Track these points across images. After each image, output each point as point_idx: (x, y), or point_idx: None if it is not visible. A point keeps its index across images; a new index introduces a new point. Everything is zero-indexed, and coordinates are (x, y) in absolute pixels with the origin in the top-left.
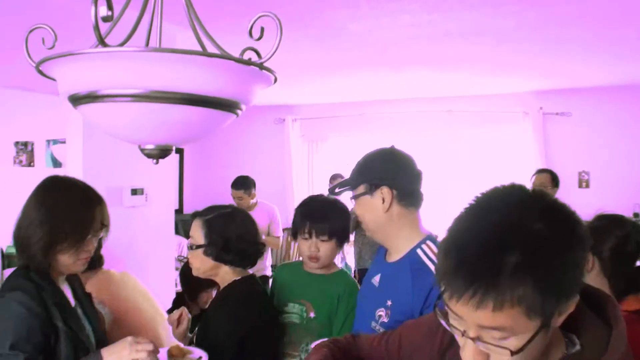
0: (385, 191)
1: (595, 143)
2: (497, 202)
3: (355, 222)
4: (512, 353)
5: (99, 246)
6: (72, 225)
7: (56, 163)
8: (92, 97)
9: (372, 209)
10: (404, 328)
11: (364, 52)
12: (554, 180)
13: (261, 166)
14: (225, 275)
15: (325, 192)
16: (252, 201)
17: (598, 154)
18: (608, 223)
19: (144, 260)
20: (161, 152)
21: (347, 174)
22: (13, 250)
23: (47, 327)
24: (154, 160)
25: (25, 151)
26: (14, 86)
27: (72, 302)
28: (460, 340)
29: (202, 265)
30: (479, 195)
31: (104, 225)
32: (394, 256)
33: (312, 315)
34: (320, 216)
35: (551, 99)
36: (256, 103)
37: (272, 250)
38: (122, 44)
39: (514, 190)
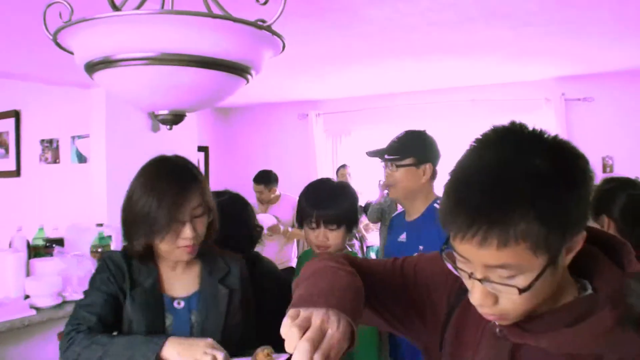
0: (428, 166)
1: (619, 128)
2: (497, 140)
3: (379, 213)
4: (520, 291)
5: (209, 233)
6: (163, 209)
7: (81, 159)
8: (106, 63)
9: (413, 178)
10: (420, 259)
11: (385, 40)
12: None
13: (286, 161)
14: None
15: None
16: (274, 195)
17: (622, 138)
18: (616, 185)
19: None
20: (175, 118)
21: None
22: (39, 242)
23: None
24: (168, 127)
25: (50, 148)
26: (39, 79)
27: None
28: (468, 283)
29: None
30: (479, 136)
31: (205, 209)
32: (414, 215)
33: None
34: (328, 204)
35: (573, 84)
36: (279, 99)
37: (297, 241)
38: (137, 9)
39: (514, 128)
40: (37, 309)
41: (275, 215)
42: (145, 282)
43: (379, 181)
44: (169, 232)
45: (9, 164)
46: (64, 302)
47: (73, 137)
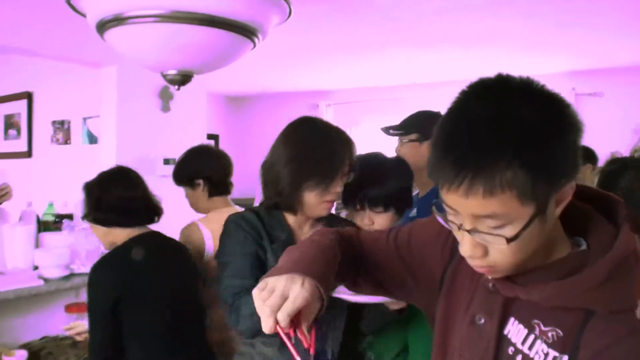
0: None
1: (629, 123)
2: (484, 91)
3: None
4: (508, 240)
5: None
6: (320, 162)
7: (92, 140)
8: (117, 20)
9: (417, 153)
10: (414, 225)
11: (394, 29)
12: (588, 157)
13: None
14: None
15: None
16: None
17: (631, 133)
18: (621, 165)
19: (175, 225)
20: (182, 78)
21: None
22: (49, 217)
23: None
24: (176, 87)
25: (62, 129)
26: (50, 56)
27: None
28: (457, 235)
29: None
30: (466, 87)
31: (353, 168)
32: (423, 191)
33: None
34: (374, 182)
35: (583, 79)
36: (290, 89)
37: None
38: None
39: (501, 78)
40: (45, 279)
41: None
42: (281, 235)
43: None
44: (330, 182)
45: (21, 145)
46: (72, 275)
47: (84, 119)
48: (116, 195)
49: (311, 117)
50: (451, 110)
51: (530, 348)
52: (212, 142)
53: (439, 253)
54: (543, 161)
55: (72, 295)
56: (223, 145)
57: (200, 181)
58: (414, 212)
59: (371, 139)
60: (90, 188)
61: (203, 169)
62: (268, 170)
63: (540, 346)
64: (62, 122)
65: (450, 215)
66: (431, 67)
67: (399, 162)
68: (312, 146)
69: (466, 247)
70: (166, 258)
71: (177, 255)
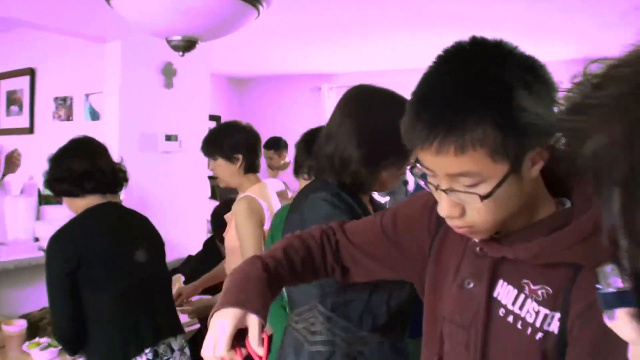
0: None
1: None
2: (456, 54)
3: None
4: (482, 198)
5: None
6: (396, 138)
7: (94, 116)
8: None
9: None
10: (397, 206)
11: (398, 10)
12: None
13: (297, 134)
14: None
15: None
16: (283, 161)
17: None
18: None
19: (178, 202)
20: (186, 44)
21: None
22: (50, 193)
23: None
24: (180, 53)
25: (64, 106)
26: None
27: None
28: (436, 195)
29: None
30: (441, 52)
31: None
32: None
33: None
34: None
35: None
36: (293, 71)
37: None
38: None
39: (474, 41)
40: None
41: (284, 182)
42: (364, 213)
43: None
44: (408, 156)
45: (23, 121)
46: None
47: (87, 95)
48: (69, 167)
49: (370, 85)
50: (426, 75)
51: (520, 308)
52: (213, 124)
53: (425, 226)
54: (513, 119)
55: None
56: None
57: (240, 156)
58: (410, 186)
59: None
60: (51, 159)
61: (245, 145)
62: (332, 149)
63: (530, 305)
64: (64, 99)
65: (429, 177)
66: (435, 51)
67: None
68: (385, 120)
69: (444, 206)
70: (123, 228)
71: (135, 225)
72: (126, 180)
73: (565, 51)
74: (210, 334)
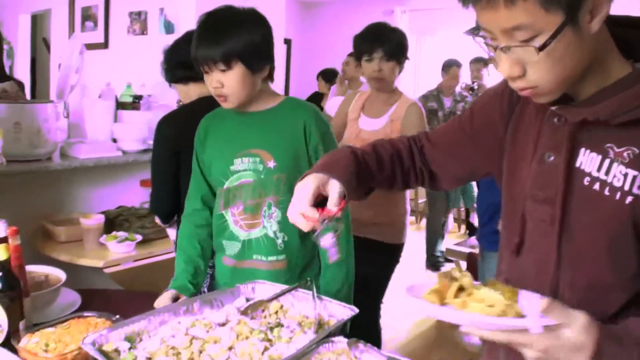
0: None
1: None
2: None
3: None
4: (538, 50)
5: None
6: None
7: (168, 29)
8: None
9: None
10: (474, 102)
11: None
12: None
13: None
14: None
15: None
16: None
17: None
18: None
19: None
20: None
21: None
22: (127, 99)
23: None
24: None
25: (138, 20)
26: None
27: None
28: (497, 58)
29: None
30: None
31: None
32: None
33: (270, 165)
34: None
35: None
36: None
37: None
38: None
39: None
40: (124, 151)
41: None
42: None
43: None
44: None
45: (98, 37)
46: (149, 150)
47: (161, 9)
48: (185, 51)
49: None
50: None
51: (607, 173)
52: (284, 47)
53: (497, 112)
54: None
55: (148, 170)
56: (295, 50)
57: None
58: None
59: (446, 49)
60: (166, 50)
61: None
62: None
63: (617, 168)
64: (138, 13)
65: (490, 41)
66: None
67: (245, 13)
68: None
69: (504, 66)
70: None
71: None
72: None
73: None
74: (294, 196)
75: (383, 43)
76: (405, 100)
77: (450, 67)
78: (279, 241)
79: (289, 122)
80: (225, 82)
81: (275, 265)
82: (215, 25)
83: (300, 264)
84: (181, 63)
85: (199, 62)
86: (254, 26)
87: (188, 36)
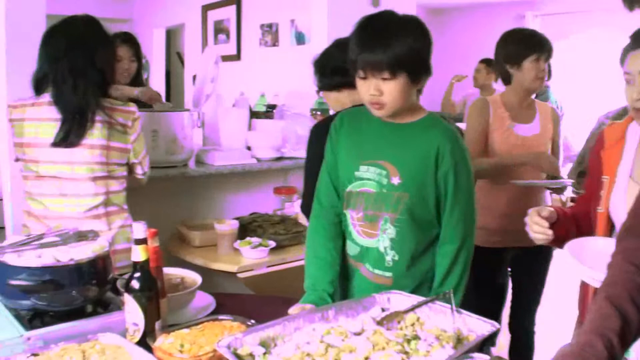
0: None
1: None
2: None
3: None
4: None
5: None
6: None
7: (300, 40)
8: None
9: None
10: None
11: None
12: None
13: None
14: None
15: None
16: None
17: None
18: None
19: None
20: None
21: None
22: (260, 108)
23: None
24: None
25: (270, 32)
26: None
27: None
28: None
29: None
30: None
31: None
32: None
33: (395, 181)
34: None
35: None
36: None
37: None
38: None
39: None
40: (258, 159)
41: None
42: None
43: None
44: None
45: (230, 49)
46: (282, 158)
47: (292, 20)
48: (339, 58)
49: None
50: None
51: None
52: None
53: None
54: None
55: (281, 178)
56: None
57: None
58: None
59: (581, 54)
60: (316, 59)
61: None
62: None
63: None
64: (270, 25)
65: None
66: None
67: (409, 20)
68: None
69: None
70: None
71: None
72: None
73: None
74: None
75: (545, 44)
76: (538, 103)
77: None
78: (388, 258)
79: (424, 141)
80: (385, 90)
81: (379, 279)
82: (381, 29)
83: (408, 286)
84: (336, 69)
85: (358, 67)
86: (420, 35)
87: (339, 43)
